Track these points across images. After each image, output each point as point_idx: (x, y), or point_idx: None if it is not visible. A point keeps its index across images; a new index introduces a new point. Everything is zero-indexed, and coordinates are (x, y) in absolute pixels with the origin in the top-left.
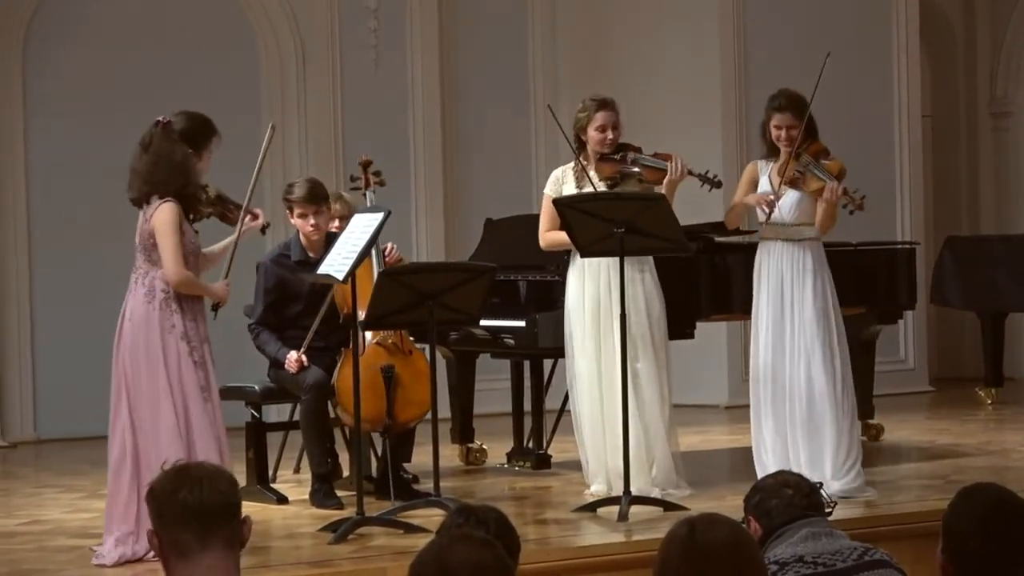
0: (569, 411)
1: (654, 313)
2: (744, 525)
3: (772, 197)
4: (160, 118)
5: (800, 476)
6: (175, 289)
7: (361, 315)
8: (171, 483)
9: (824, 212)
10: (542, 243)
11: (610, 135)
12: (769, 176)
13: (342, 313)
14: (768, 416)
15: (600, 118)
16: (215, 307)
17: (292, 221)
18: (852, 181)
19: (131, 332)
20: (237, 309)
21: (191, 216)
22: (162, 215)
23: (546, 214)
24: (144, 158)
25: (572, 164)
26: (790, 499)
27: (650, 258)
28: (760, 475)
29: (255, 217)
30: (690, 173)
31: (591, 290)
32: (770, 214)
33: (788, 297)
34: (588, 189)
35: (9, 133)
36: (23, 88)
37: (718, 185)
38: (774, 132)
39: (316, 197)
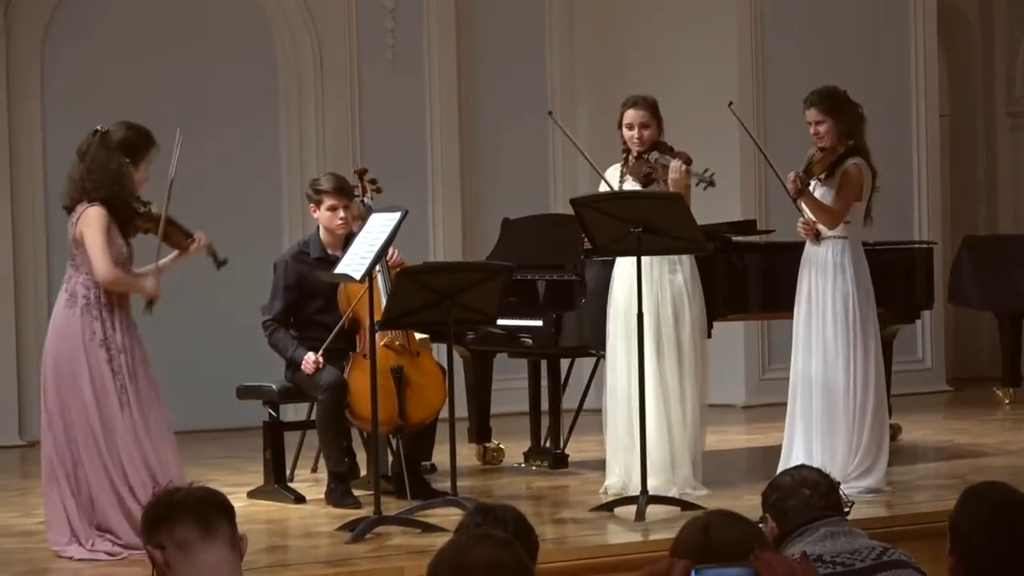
0: (585, 410)
1: (683, 316)
2: (761, 524)
3: (806, 220)
4: (98, 127)
5: (819, 473)
6: (107, 288)
7: (367, 323)
8: (164, 494)
9: (811, 211)
10: None
11: (637, 133)
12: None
13: (347, 319)
14: (797, 416)
15: (628, 116)
16: (149, 304)
17: (317, 215)
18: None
19: (52, 339)
20: (255, 309)
21: (126, 229)
22: (87, 218)
23: None
24: (79, 166)
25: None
26: (807, 500)
27: (687, 260)
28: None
29: (194, 240)
30: (688, 172)
31: (623, 289)
32: (817, 234)
33: (815, 297)
34: (627, 187)
35: (27, 132)
36: (41, 87)
37: (711, 184)
38: (808, 129)
39: (346, 190)
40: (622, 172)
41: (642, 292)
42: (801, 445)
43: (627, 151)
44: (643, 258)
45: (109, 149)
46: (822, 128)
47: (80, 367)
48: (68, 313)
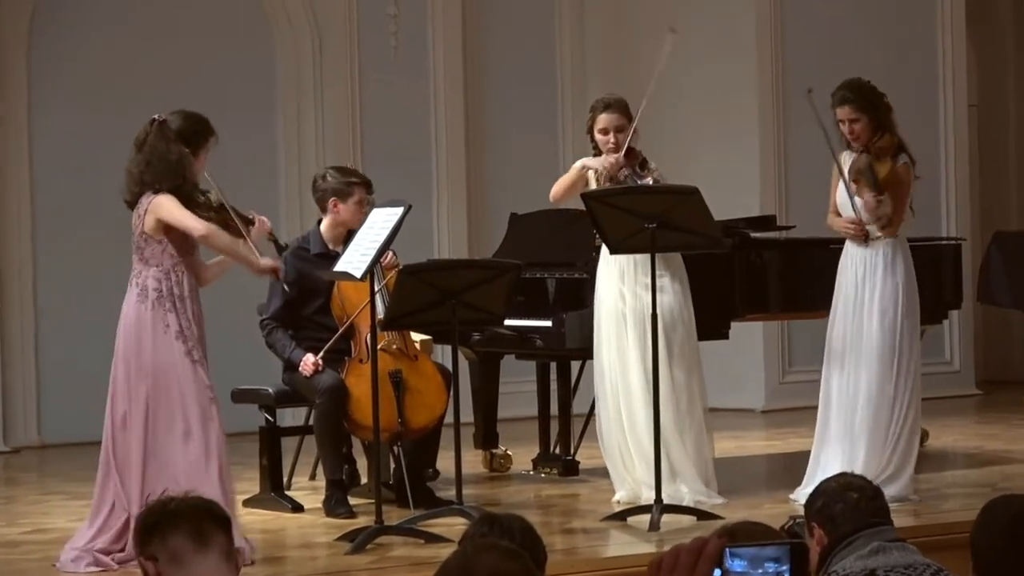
0: (596, 415)
1: (671, 321)
2: (797, 529)
3: (858, 221)
4: (156, 116)
5: (863, 478)
6: (206, 241)
7: (364, 327)
8: (157, 504)
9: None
10: (551, 193)
11: (612, 138)
12: (847, 175)
13: (340, 323)
14: (839, 425)
15: (602, 120)
16: (275, 275)
17: (340, 209)
18: None
19: (124, 336)
20: (251, 310)
21: None
22: (157, 205)
23: (568, 174)
24: (137, 157)
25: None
26: (855, 503)
27: (676, 263)
28: (807, 480)
29: (251, 223)
30: None
31: (612, 291)
32: (866, 236)
33: (861, 299)
34: None
35: (14, 130)
36: (28, 82)
37: None
38: (841, 127)
39: (370, 186)
40: (597, 175)
41: (656, 296)
42: (837, 454)
43: (598, 155)
44: (628, 260)
45: (168, 139)
46: (857, 127)
47: (153, 364)
48: (140, 308)
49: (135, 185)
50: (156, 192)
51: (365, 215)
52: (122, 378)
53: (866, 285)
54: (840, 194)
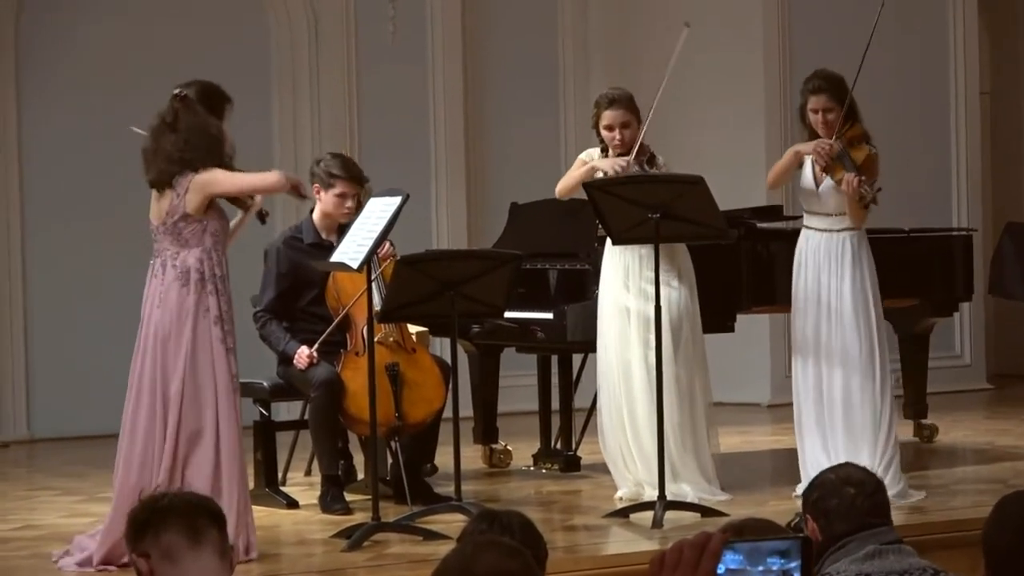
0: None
1: (677, 319)
2: (803, 525)
3: (828, 146)
4: (176, 91)
5: (865, 472)
6: (283, 186)
7: (360, 319)
8: (149, 500)
9: (848, 205)
10: (557, 189)
11: (619, 135)
12: (812, 162)
13: (335, 314)
14: (811, 418)
15: (607, 117)
16: (262, 216)
17: (323, 197)
18: (906, 164)
19: (162, 319)
20: (244, 300)
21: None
22: (213, 180)
23: (575, 172)
24: (172, 136)
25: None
26: (852, 500)
27: (683, 259)
28: (804, 481)
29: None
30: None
31: (616, 287)
32: (825, 167)
33: (826, 289)
34: None
35: (2, 122)
36: (16, 71)
37: None
38: (811, 116)
39: (359, 178)
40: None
41: (659, 289)
42: (820, 456)
43: (605, 151)
44: (633, 256)
45: (200, 113)
46: (831, 116)
47: (192, 349)
48: (182, 292)
49: (171, 164)
50: (200, 170)
51: (351, 208)
52: (151, 364)
53: (832, 277)
54: (805, 176)
